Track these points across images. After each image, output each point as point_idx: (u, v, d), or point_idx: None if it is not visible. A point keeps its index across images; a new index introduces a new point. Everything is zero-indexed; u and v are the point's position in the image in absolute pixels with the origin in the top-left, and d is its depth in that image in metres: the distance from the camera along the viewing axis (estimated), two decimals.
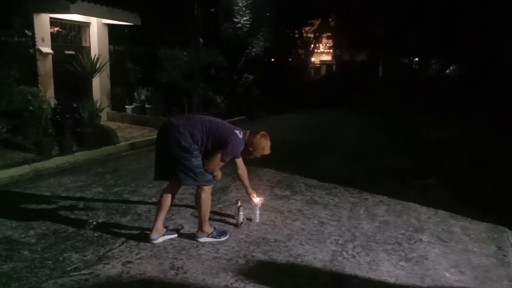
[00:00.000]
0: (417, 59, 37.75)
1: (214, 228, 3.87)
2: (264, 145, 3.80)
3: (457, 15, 20.47)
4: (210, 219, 4.25)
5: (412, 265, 3.47)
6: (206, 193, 3.66)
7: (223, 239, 3.83)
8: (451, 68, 39.15)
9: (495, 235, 4.15)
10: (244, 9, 13.94)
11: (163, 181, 3.92)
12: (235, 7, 13.92)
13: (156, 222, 3.73)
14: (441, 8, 21.10)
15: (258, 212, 4.28)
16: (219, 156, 3.54)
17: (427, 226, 4.32)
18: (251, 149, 3.75)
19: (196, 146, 3.50)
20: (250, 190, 4.30)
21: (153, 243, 3.67)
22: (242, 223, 4.12)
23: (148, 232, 3.76)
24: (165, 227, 3.86)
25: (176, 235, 3.84)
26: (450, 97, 19.46)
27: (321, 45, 31.76)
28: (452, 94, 20.42)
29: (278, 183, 5.72)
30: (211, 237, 3.79)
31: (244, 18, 13.91)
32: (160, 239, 3.72)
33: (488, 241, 4.00)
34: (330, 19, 22.44)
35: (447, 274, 3.34)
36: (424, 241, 3.95)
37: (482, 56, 18.64)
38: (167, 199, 3.72)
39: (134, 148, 7.92)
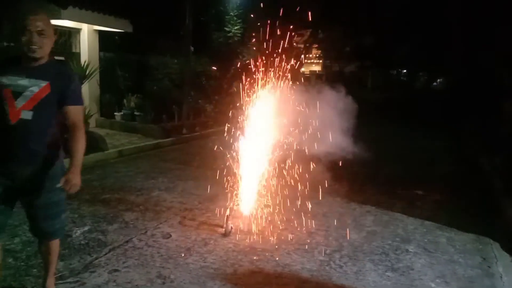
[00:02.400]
0: (405, 71, 38.29)
1: None
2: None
3: (445, 28, 20.86)
4: (197, 228, 4.27)
5: (398, 275, 3.50)
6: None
7: None
8: (438, 80, 39.74)
9: (480, 246, 4.21)
10: (235, 18, 14.04)
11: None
12: (226, 16, 14.02)
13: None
14: (429, 21, 21.49)
15: (245, 222, 4.29)
16: None
17: (414, 237, 4.37)
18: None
19: None
20: (74, 167, 2.41)
21: None
22: (230, 232, 4.12)
23: (136, 240, 3.73)
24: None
25: None
26: (438, 108, 19.72)
27: (311, 55, 32.07)
28: (439, 105, 20.70)
29: (266, 192, 5.72)
30: None
31: (236, 27, 14.01)
32: None
33: (473, 252, 4.06)
34: (319, 30, 22.70)
35: (433, 285, 3.37)
36: (411, 252, 3.99)
37: (468, 69, 19.00)
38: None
39: (123, 155, 7.87)
